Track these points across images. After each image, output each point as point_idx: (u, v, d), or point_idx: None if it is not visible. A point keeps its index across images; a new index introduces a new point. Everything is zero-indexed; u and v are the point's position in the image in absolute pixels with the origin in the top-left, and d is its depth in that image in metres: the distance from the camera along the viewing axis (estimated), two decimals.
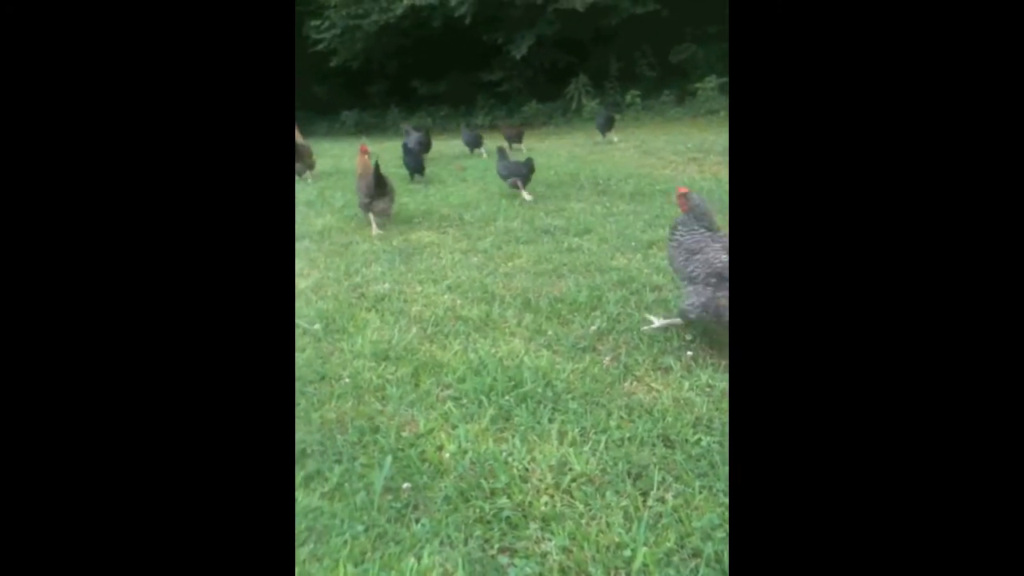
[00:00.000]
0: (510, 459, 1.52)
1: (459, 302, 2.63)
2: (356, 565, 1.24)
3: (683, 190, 2.21)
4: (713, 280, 1.95)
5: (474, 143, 7.52)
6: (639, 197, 4.44)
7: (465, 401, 1.81)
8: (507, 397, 1.80)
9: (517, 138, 7.54)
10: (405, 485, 1.45)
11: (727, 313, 1.88)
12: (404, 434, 1.67)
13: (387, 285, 2.92)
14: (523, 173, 4.68)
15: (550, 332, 2.25)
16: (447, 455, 1.56)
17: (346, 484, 1.47)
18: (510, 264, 3.12)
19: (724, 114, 9.62)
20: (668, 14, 11.11)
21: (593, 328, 2.25)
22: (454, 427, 1.68)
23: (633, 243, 3.32)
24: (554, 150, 7.49)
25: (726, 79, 10.40)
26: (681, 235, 2.11)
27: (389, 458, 1.54)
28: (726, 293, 1.91)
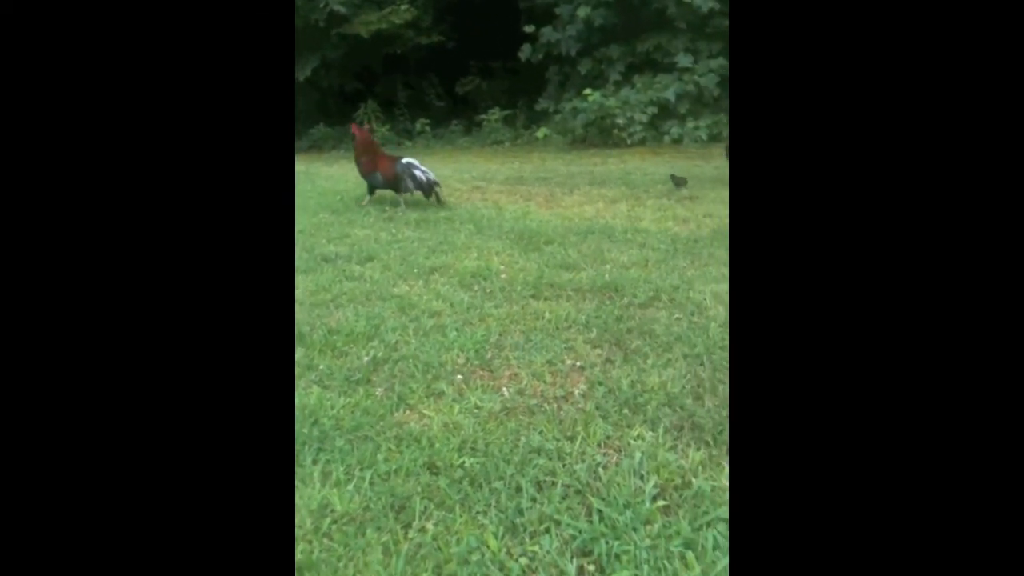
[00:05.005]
0: None
1: None
2: None
3: None
4: None
5: None
6: (424, 224, 4.50)
7: None
8: None
9: None
10: None
11: None
12: None
13: None
14: None
15: (322, 366, 2.16)
16: None
17: None
18: None
19: (508, 145, 10.24)
20: (453, 47, 11.57)
21: (367, 359, 2.20)
22: None
23: (416, 269, 3.34)
24: (342, 175, 7.32)
25: (509, 111, 11.10)
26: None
27: None
28: None
